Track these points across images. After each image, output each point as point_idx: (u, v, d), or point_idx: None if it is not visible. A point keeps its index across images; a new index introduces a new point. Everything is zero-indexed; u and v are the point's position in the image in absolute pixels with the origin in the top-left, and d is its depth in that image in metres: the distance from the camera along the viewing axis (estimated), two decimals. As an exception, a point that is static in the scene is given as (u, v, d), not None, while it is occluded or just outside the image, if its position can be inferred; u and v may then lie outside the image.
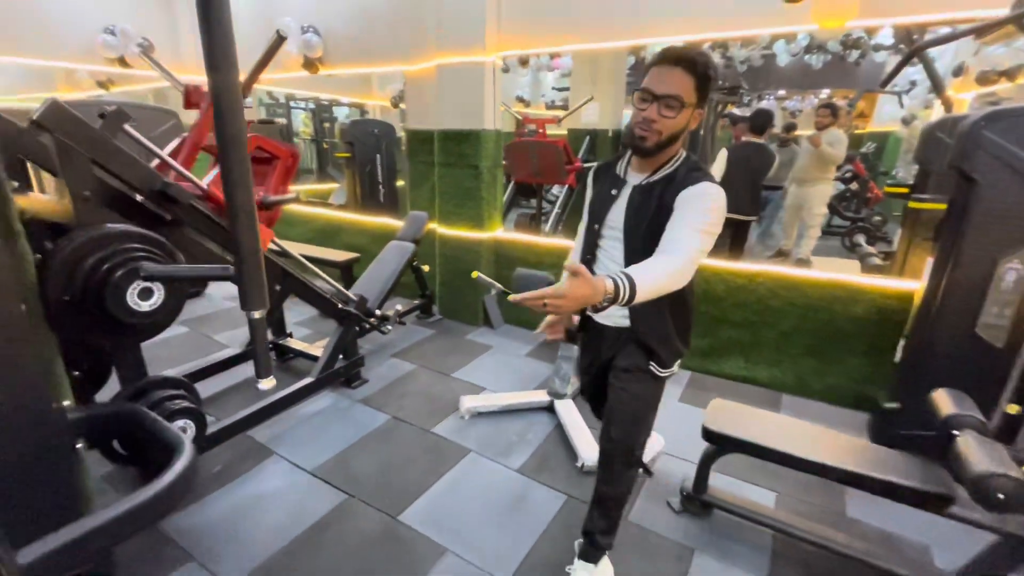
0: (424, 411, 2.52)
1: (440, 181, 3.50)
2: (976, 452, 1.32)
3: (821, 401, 2.65)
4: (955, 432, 1.44)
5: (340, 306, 2.51)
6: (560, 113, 7.01)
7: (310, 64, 3.87)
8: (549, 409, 2.54)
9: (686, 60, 1.17)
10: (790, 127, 6.00)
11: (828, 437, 1.70)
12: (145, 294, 1.55)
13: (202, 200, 1.87)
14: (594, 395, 1.70)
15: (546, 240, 3.45)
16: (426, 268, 3.59)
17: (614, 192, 1.35)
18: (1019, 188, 1.75)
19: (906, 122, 6.67)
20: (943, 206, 1.93)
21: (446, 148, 3.39)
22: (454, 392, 2.68)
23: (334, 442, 2.25)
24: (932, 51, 3.38)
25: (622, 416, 1.42)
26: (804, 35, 5.66)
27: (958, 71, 4.31)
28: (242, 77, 1.18)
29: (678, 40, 2.64)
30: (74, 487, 1.26)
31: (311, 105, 7.71)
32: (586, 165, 4.83)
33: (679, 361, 1.45)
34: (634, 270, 1.05)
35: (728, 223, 4.29)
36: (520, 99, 8.70)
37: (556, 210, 4.76)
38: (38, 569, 0.83)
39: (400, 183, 5.98)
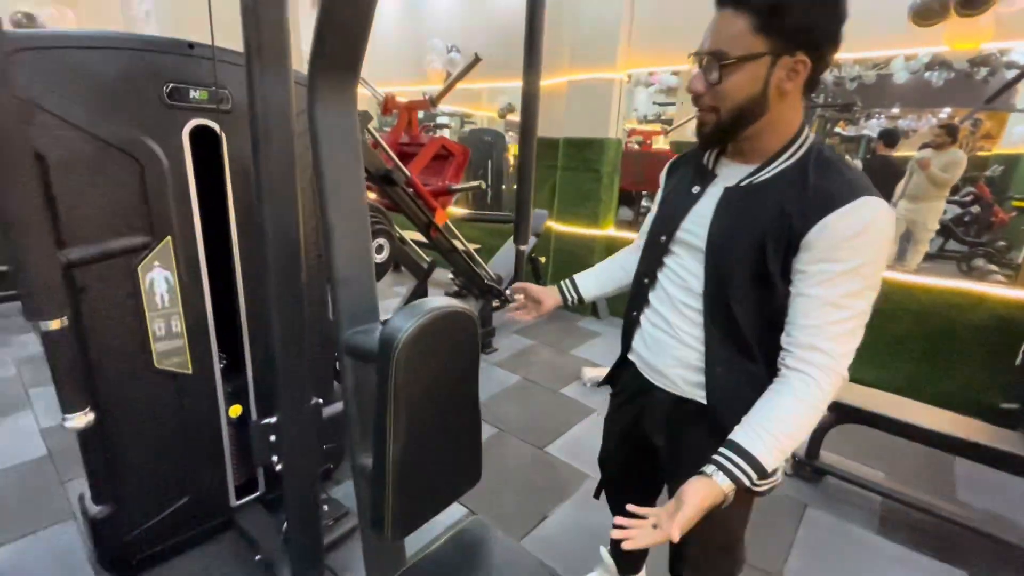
0: (550, 376, 2.91)
1: (561, 183, 3.93)
2: (1092, 423, 1.49)
3: (931, 405, 2.73)
4: (1073, 411, 1.60)
5: (487, 281, 2.98)
6: (654, 127, 7.28)
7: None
8: (661, 385, 2.84)
9: None
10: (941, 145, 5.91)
11: (940, 413, 1.88)
12: (379, 249, 2.07)
13: (408, 185, 2.40)
14: (620, 470, 1.22)
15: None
16: (543, 259, 4.02)
17: (695, 190, 0.90)
18: None
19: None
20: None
21: (569, 154, 3.81)
22: (573, 365, 3.06)
23: (480, 391, 2.69)
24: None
25: (697, 555, 1.00)
26: (926, 54, 5.54)
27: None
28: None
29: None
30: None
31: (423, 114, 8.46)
32: (689, 175, 5.07)
33: (786, 462, 0.93)
34: (758, 437, 0.75)
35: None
36: (616, 113, 9.04)
37: (658, 216, 5.06)
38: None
39: (503, 187, 6.52)
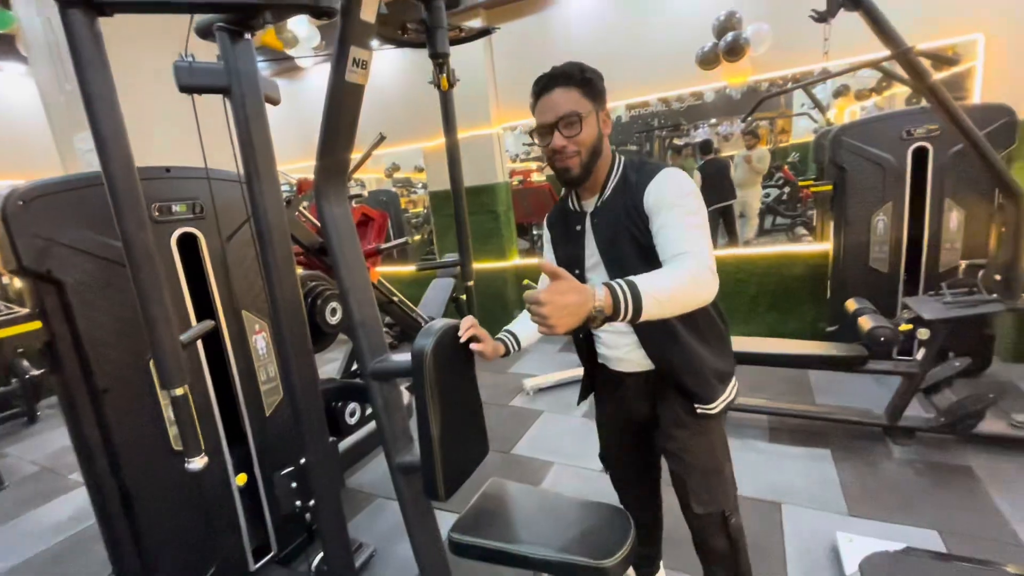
0: (497, 394, 3.27)
1: (466, 227, 4.38)
2: (869, 319, 2.22)
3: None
4: (859, 315, 2.34)
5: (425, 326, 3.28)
6: (528, 164, 8.15)
7: (343, 151, 4.78)
8: (590, 379, 3.33)
9: (557, 79, 1.08)
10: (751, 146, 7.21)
11: (794, 342, 2.56)
12: (332, 313, 2.32)
13: (340, 252, 2.68)
14: (621, 458, 1.44)
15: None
16: (463, 297, 4.40)
17: (578, 228, 1.20)
18: (871, 169, 2.74)
19: (816, 133, 8.06)
20: (830, 187, 2.92)
21: (468, 200, 4.28)
22: (514, 380, 3.45)
23: (440, 422, 2.97)
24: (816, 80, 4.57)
25: (696, 483, 1.19)
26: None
27: (840, 92, 5.60)
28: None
29: (636, 100, 3.68)
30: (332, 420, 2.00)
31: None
32: (569, 201, 5.85)
33: (731, 384, 1.23)
34: (635, 276, 0.88)
35: (716, 211, 5.48)
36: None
37: (552, 241, 5.72)
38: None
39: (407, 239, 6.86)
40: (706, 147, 5.62)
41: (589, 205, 1.18)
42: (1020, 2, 2.58)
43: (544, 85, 1.09)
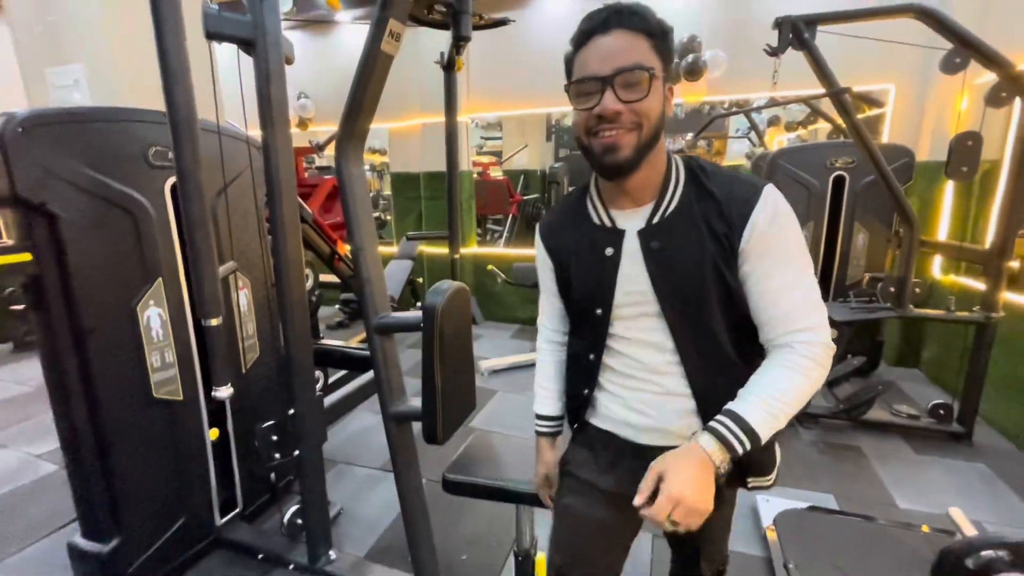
0: (453, 374, 3.38)
1: (427, 211, 4.43)
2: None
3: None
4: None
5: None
6: (488, 158, 8.28)
7: (303, 123, 4.66)
8: (542, 364, 3.52)
9: (623, 16, 0.73)
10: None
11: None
12: (305, 278, 2.33)
13: (313, 222, 2.68)
14: (605, 558, 1.00)
15: (504, 251, 4.56)
16: (420, 280, 4.45)
17: (609, 251, 0.84)
18: (800, 191, 3.14)
19: (749, 157, 8.84)
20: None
21: (431, 186, 4.34)
22: (469, 362, 3.57)
23: (397, 397, 3.03)
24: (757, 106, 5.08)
25: (710, 549, 1.04)
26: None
27: (772, 121, 6.23)
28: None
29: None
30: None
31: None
32: (525, 198, 6.02)
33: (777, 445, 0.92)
34: (745, 402, 0.74)
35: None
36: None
37: (506, 232, 5.87)
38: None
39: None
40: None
41: (631, 219, 0.83)
42: (926, 60, 3.06)
43: (601, 22, 0.73)
